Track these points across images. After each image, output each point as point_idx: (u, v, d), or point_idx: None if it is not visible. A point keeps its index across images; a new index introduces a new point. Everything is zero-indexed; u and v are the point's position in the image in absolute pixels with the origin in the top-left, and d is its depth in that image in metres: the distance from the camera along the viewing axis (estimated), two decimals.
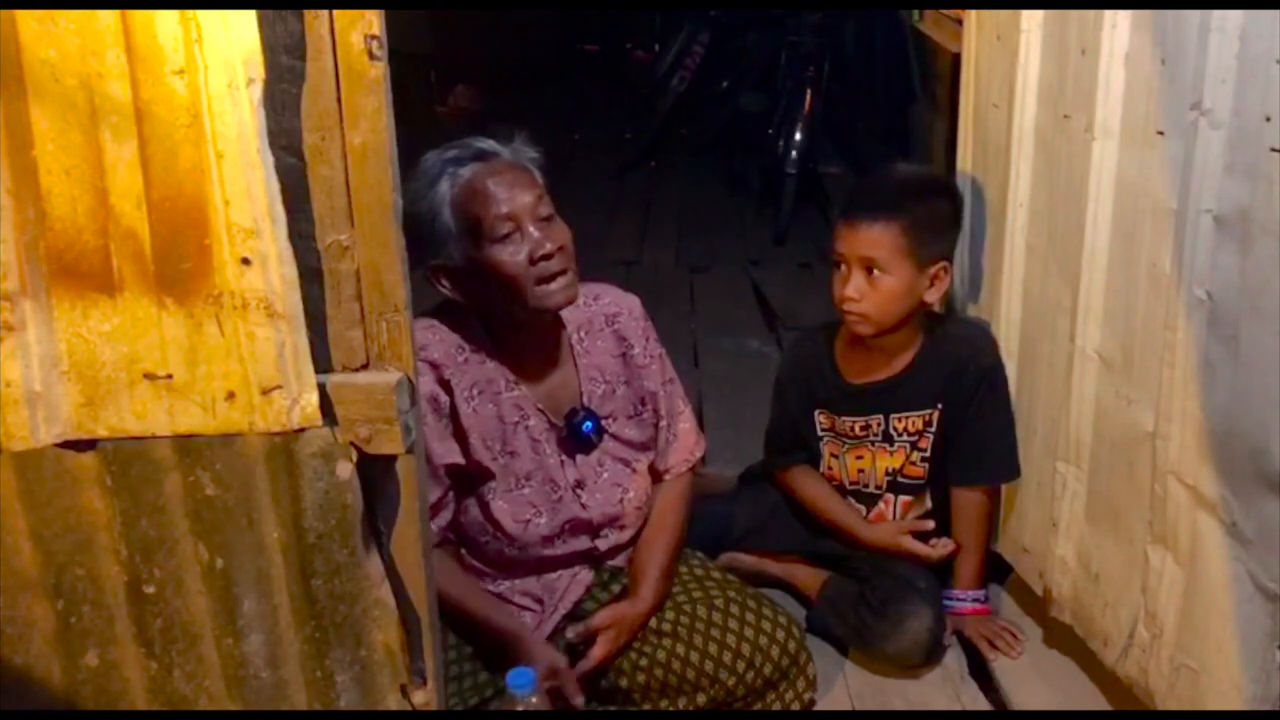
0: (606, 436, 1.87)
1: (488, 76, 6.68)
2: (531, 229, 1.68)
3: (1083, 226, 1.81)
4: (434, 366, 1.72)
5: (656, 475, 1.97)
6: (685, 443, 1.98)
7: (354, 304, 1.24)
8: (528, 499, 1.81)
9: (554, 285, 1.70)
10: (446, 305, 1.78)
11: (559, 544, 1.84)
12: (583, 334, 1.87)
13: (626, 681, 1.85)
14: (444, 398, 1.73)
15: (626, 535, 1.90)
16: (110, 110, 1.13)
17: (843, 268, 2.01)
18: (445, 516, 1.78)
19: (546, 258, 1.68)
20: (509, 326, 1.78)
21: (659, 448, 1.95)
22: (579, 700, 1.72)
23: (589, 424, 1.83)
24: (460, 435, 1.76)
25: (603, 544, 1.88)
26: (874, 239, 1.97)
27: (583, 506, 1.84)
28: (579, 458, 1.86)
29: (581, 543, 1.86)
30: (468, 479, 1.78)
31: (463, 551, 1.84)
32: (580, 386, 1.86)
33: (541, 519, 1.81)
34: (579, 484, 1.85)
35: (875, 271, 1.98)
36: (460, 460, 1.76)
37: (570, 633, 1.81)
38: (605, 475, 1.87)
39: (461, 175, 1.68)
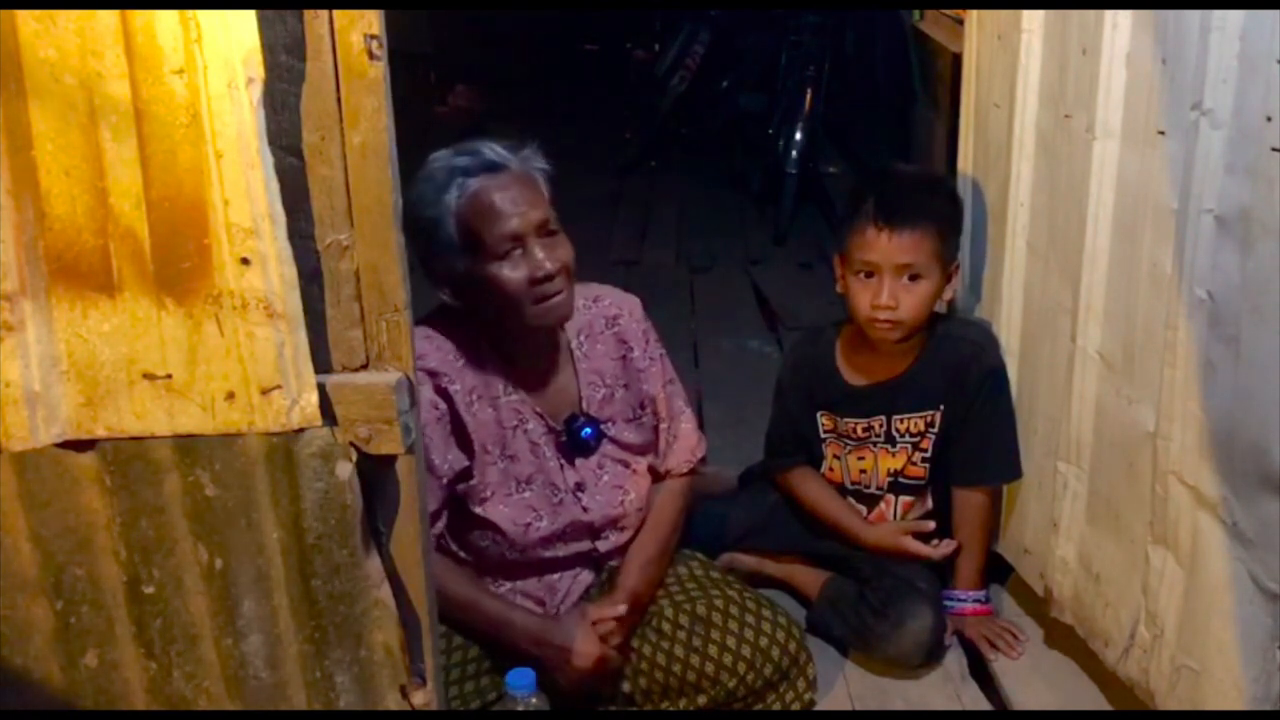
0: (605, 440, 1.87)
1: (488, 76, 6.68)
2: (534, 247, 1.68)
3: (1084, 226, 1.80)
4: (432, 375, 1.72)
5: (658, 476, 1.96)
6: (686, 443, 1.97)
7: (354, 304, 1.24)
8: (528, 502, 1.80)
9: (550, 303, 1.71)
10: (443, 309, 1.78)
11: (559, 546, 1.84)
12: (583, 338, 1.87)
13: (628, 685, 1.84)
14: (443, 405, 1.73)
15: (626, 536, 1.90)
16: (110, 110, 1.13)
17: (872, 276, 1.99)
18: (439, 525, 1.78)
19: (547, 279, 1.68)
20: (507, 334, 1.77)
21: (660, 449, 1.95)
22: (621, 609, 1.77)
23: (588, 430, 1.83)
24: (465, 441, 1.75)
25: (603, 545, 1.88)
26: (914, 245, 1.96)
27: (583, 509, 1.84)
28: (578, 461, 1.85)
29: (582, 544, 1.86)
30: (469, 483, 1.78)
31: (462, 554, 1.84)
32: (580, 391, 1.86)
33: (542, 522, 1.81)
34: (579, 486, 1.85)
35: (914, 278, 1.97)
36: (467, 464, 1.76)
37: None
38: (605, 478, 1.87)
39: (469, 187, 1.67)
